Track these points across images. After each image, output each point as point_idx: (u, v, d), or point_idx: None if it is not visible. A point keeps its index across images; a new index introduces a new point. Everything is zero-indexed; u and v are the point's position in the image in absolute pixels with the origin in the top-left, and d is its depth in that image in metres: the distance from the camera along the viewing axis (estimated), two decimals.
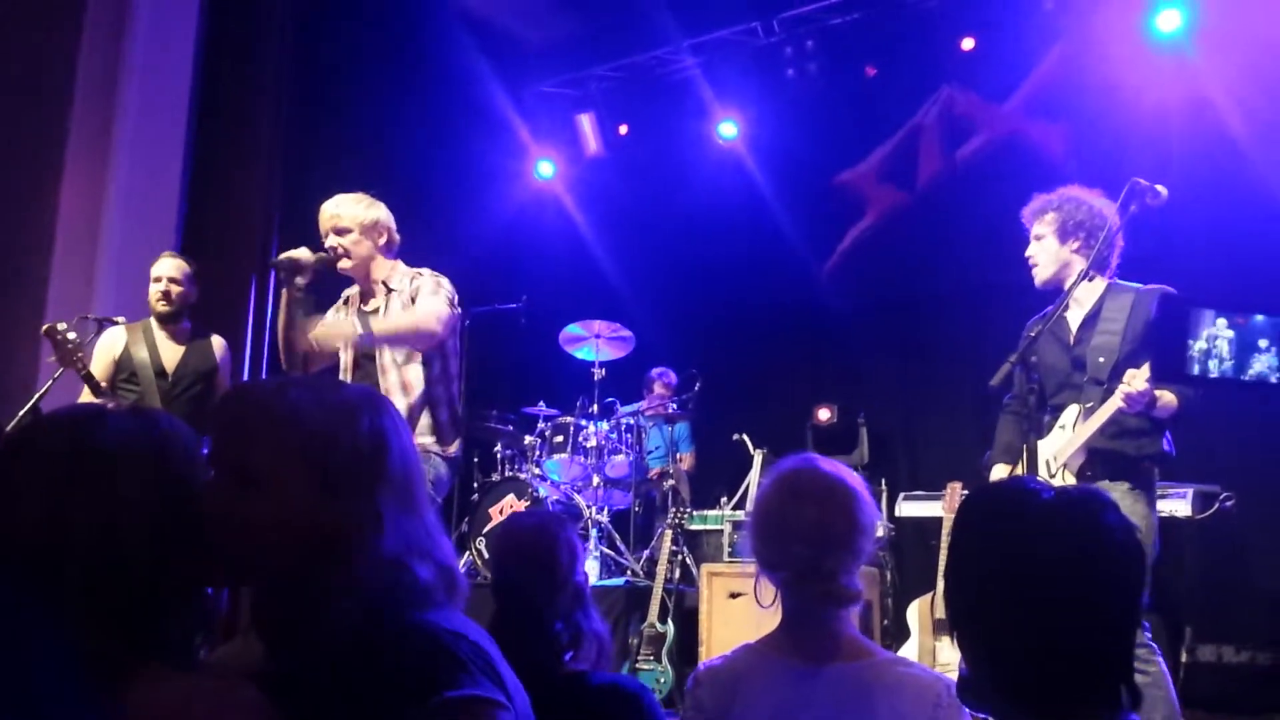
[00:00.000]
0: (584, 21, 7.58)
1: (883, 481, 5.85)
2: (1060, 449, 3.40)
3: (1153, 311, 3.33)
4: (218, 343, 4.80)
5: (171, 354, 4.64)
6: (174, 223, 5.36)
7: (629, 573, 5.97)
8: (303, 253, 3.68)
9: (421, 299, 3.77)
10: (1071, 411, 3.43)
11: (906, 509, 5.46)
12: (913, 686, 1.74)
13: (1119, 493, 3.25)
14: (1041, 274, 3.56)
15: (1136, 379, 3.15)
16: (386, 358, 3.79)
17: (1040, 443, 3.43)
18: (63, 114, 4.94)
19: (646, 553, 6.11)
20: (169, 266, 4.65)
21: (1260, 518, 4.95)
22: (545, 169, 8.32)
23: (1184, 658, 4.54)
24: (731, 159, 7.61)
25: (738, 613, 4.77)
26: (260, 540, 1.26)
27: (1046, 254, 3.54)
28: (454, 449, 3.90)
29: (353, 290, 4.02)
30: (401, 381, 3.77)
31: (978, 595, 1.28)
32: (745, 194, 7.46)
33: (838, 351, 7.32)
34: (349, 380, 3.87)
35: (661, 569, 5.33)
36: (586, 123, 8.00)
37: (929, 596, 4.46)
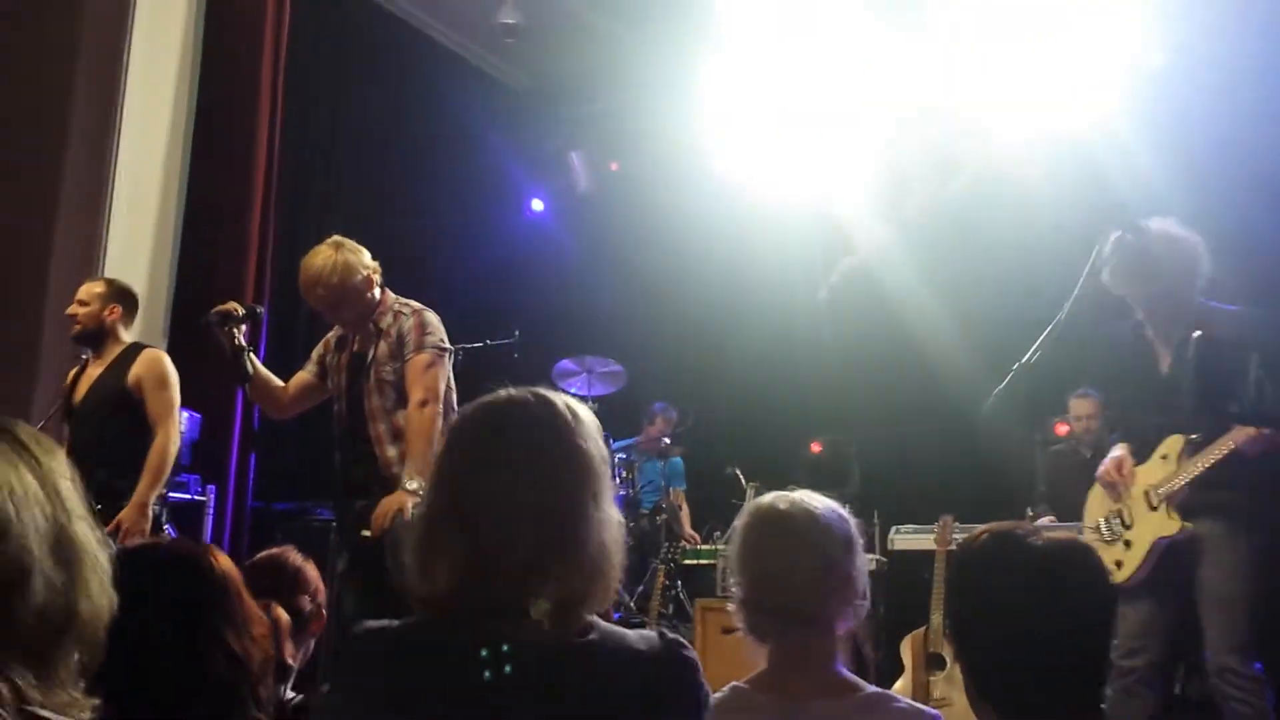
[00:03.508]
0: (576, 59, 7.64)
1: (875, 514, 5.82)
2: (1162, 480, 3.21)
3: (1261, 338, 3.10)
4: (145, 357, 4.16)
5: (88, 379, 4.18)
6: (168, 257, 5.38)
7: (622, 608, 5.93)
8: (232, 305, 3.69)
9: (411, 384, 3.62)
10: (1174, 442, 3.21)
11: (899, 542, 5.43)
12: None
13: (1219, 531, 3.10)
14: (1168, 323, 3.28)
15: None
16: (374, 402, 3.68)
17: (1138, 470, 3.28)
18: (59, 155, 4.96)
19: (640, 589, 6.07)
20: (80, 290, 4.24)
21: None
22: (537, 205, 8.36)
23: None
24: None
25: (732, 648, 4.68)
26: None
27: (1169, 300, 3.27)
28: None
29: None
30: (392, 428, 3.67)
31: (981, 626, 1.52)
32: (736, 226, 7.47)
33: (831, 383, 7.31)
34: (339, 429, 3.82)
35: (655, 605, 5.30)
36: (578, 159, 8.04)
37: (922, 631, 4.38)
